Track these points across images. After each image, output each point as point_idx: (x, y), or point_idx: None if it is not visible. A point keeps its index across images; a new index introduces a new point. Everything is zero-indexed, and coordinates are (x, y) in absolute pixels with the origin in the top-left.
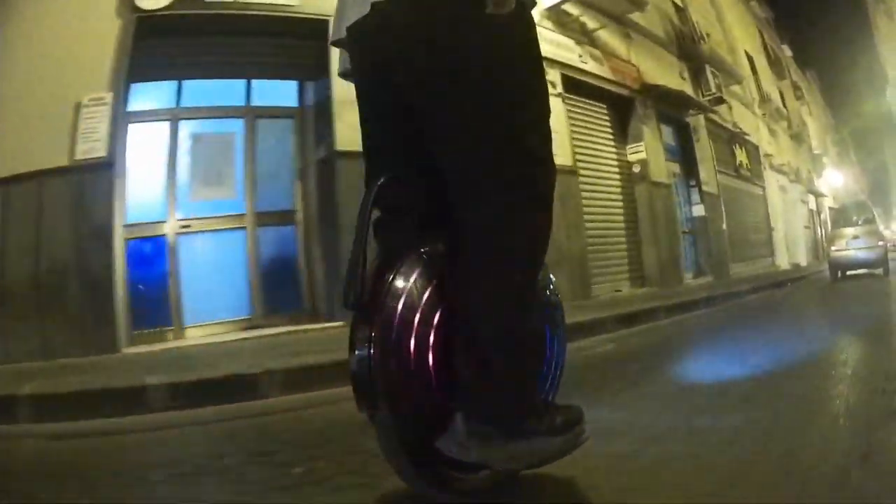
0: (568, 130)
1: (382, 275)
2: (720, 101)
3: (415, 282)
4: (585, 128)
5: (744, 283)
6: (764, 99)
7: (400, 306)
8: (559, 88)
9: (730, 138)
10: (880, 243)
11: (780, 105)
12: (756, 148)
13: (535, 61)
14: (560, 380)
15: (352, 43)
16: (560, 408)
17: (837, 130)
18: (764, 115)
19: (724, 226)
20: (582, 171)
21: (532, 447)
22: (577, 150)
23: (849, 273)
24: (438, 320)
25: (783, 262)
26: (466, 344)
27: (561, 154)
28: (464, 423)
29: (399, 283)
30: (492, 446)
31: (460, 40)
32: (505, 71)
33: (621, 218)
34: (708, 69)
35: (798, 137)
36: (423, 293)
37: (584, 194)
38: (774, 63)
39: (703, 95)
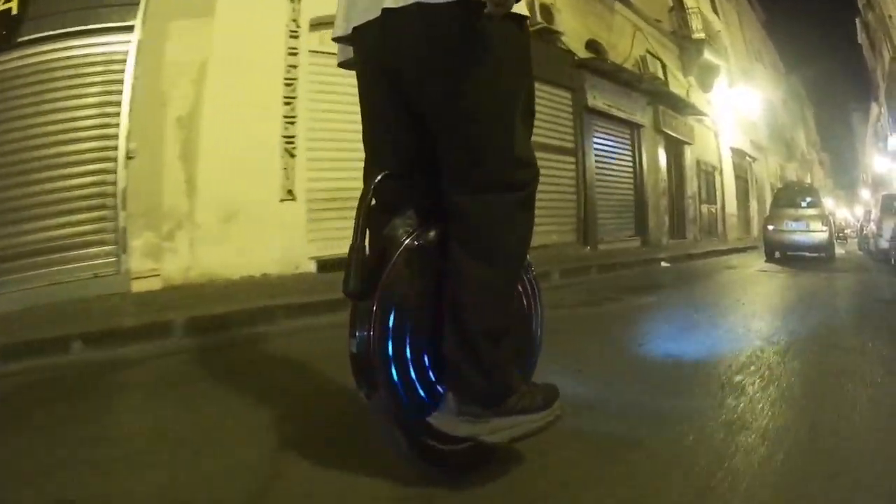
0: None
1: (380, 264)
2: None
3: (411, 271)
4: None
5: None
6: None
7: (396, 293)
8: None
9: None
10: (824, 228)
11: None
12: None
13: (528, 69)
14: (537, 359)
15: (358, 43)
16: (539, 386)
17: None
18: None
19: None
20: None
21: (515, 423)
22: None
23: (789, 254)
24: (431, 307)
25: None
26: (456, 329)
27: None
28: (454, 401)
29: (396, 271)
30: (478, 423)
31: (466, 48)
32: (504, 79)
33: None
34: None
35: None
36: (418, 281)
37: None
38: None
39: None
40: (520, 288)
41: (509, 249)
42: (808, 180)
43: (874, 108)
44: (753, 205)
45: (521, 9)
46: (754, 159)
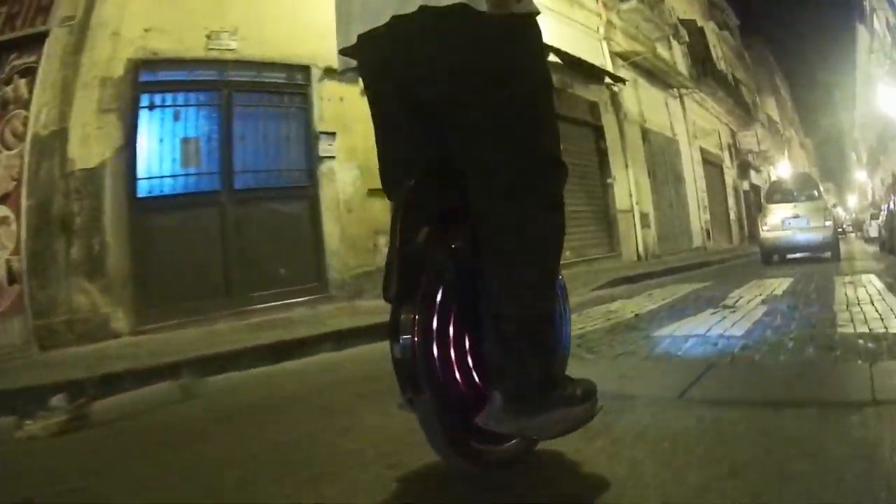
0: None
1: (418, 269)
2: None
3: (448, 274)
4: None
5: None
6: None
7: (436, 297)
8: None
9: None
10: (827, 223)
11: None
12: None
13: (544, 66)
14: (567, 355)
15: (365, 50)
16: (576, 380)
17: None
18: None
19: None
20: None
21: (558, 417)
22: None
23: (788, 257)
24: (472, 307)
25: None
26: (495, 329)
27: None
28: (500, 399)
29: (434, 275)
30: (524, 419)
31: (475, 48)
32: (519, 76)
33: None
34: None
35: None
36: (456, 284)
37: None
38: None
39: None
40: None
41: (540, 250)
42: (785, 160)
43: (862, 33)
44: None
45: (529, 5)
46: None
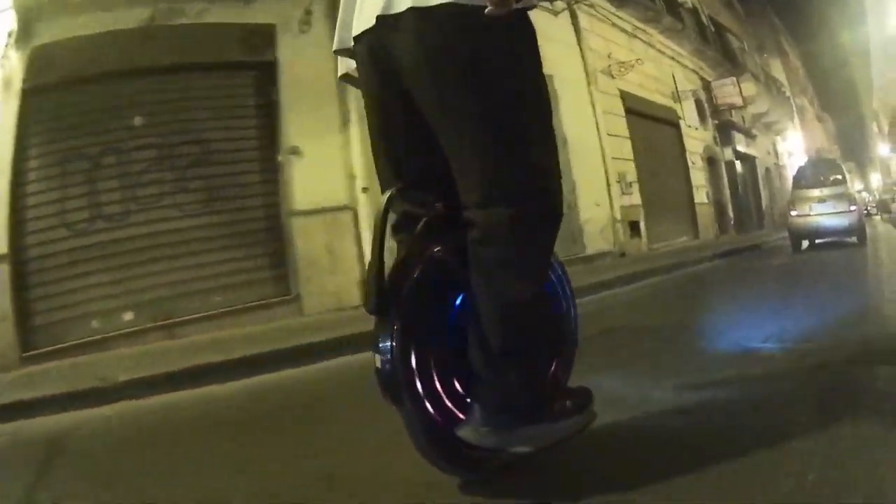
0: None
1: (401, 277)
2: None
3: (432, 284)
4: None
5: None
6: None
7: (418, 306)
8: None
9: None
10: (852, 208)
11: None
12: None
13: (539, 71)
14: (573, 361)
15: (358, 52)
16: (570, 391)
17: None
18: None
19: None
20: None
21: (544, 431)
22: None
23: (817, 242)
24: (454, 319)
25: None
26: (479, 341)
27: None
28: (481, 412)
29: (417, 285)
30: (506, 433)
31: (464, 49)
32: (508, 80)
33: None
34: None
35: None
36: (440, 294)
37: None
38: None
39: None
40: (554, 288)
41: (526, 266)
42: (796, 130)
43: None
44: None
45: (525, 1)
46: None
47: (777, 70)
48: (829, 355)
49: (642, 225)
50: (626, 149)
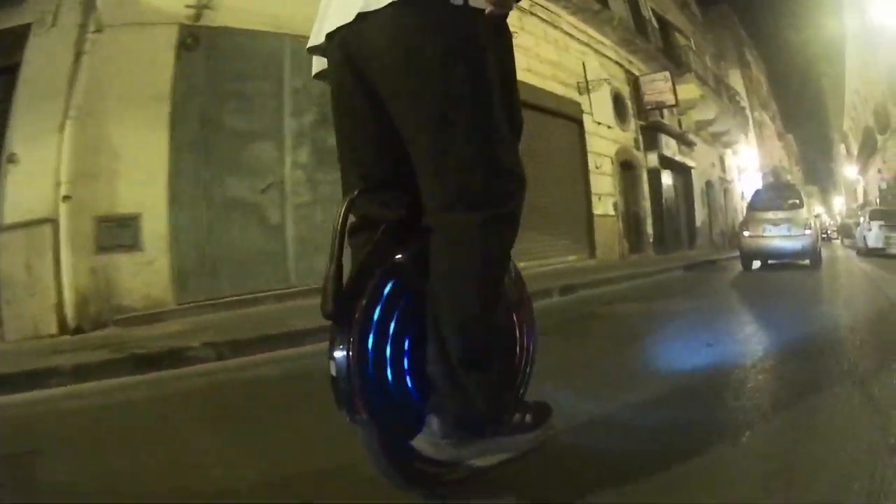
0: None
1: (359, 283)
2: None
3: (390, 289)
4: None
5: None
6: None
7: (376, 314)
8: None
9: None
10: (808, 231)
11: None
12: None
13: (512, 76)
14: (531, 375)
15: (331, 47)
16: (529, 405)
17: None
18: None
19: None
20: None
21: (501, 445)
22: None
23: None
24: (413, 327)
25: None
26: (439, 349)
27: None
28: (437, 424)
29: (375, 291)
30: (464, 446)
31: (432, 48)
32: (483, 84)
33: None
34: None
35: None
36: (398, 300)
37: None
38: None
39: None
40: (510, 298)
41: (488, 265)
42: (751, 145)
43: None
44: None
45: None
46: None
47: (736, 80)
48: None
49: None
50: None
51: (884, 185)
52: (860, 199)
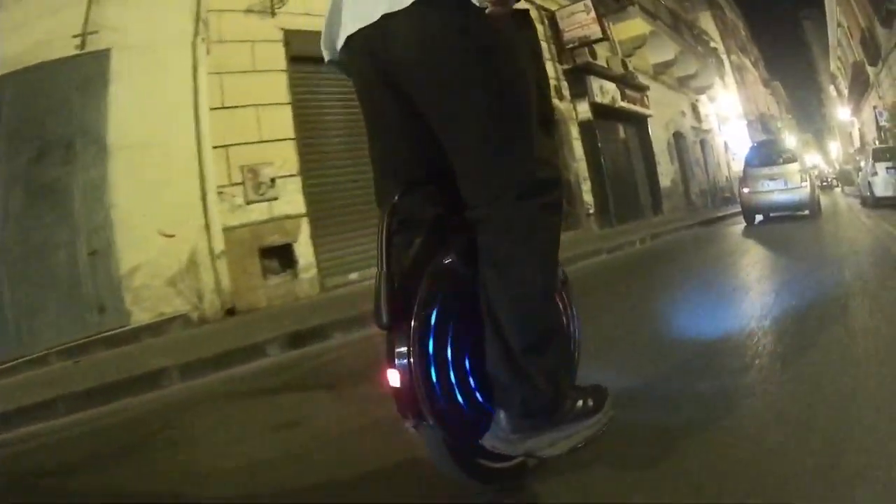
0: None
1: (410, 289)
2: None
3: (443, 291)
4: None
5: None
6: None
7: (432, 317)
8: None
9: None
10: (804, 183)
11: None
12: None
13: (538, 66)
14: (579, 360)
15: (354, 53)
16: (587, 389)
17: None
18: None
19: None
20: None
21: (570, 432)
22: None
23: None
24: (471, 325)
25: None
26: (497, 345)
27: None
28: (505, 419)
29: (428, 294)
30: (534, 437)
31: (467, 45)
32: (510, 77)
33: None
34: None
35: None
36: (452, 301)
37: None
38: None
39: None
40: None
41: (539, 258)
42: (729, 92)
43: None
44: None
45: (520, 4)
46: None
47: (707, 23)
48: None
49: (301, 250)
50: (279, 124)
51: (884, 122)
52: (856, 143)
